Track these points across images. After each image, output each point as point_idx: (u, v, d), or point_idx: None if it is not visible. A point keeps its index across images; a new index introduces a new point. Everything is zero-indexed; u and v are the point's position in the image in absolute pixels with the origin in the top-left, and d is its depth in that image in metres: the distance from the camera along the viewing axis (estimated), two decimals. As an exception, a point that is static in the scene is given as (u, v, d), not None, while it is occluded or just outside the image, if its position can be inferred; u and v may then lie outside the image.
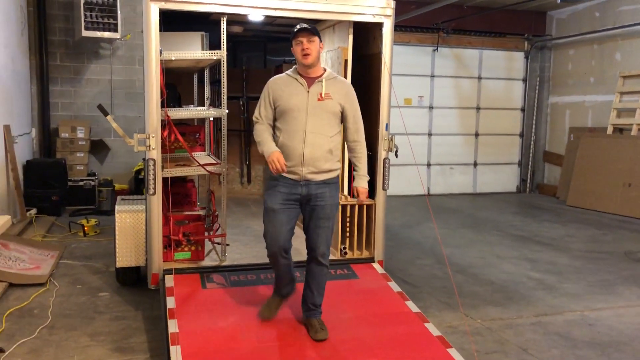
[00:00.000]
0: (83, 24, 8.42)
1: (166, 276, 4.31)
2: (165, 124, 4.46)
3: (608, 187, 9.97)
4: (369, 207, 4.94)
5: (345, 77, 4.85)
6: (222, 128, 4.60)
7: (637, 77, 10.23)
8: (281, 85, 3.71)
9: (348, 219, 4.93)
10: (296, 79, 3.69)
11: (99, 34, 8.54)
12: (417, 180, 11.75)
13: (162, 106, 4.39)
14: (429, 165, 11.90)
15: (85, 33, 8.44)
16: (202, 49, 5.21)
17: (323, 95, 3.65)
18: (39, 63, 9.20)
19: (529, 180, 12.48)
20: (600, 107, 11.02)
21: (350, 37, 4.82)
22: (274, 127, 3.77)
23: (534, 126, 12.37)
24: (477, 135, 12.19)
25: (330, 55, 5.14)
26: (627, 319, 4.73)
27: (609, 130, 10.51)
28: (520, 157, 12.53)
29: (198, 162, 4.66)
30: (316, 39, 3.64)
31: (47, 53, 9.25)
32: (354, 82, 4.93)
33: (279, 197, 3.68)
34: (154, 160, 4.24)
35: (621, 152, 9.94)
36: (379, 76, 4.79)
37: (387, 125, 4.77)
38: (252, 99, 7.96)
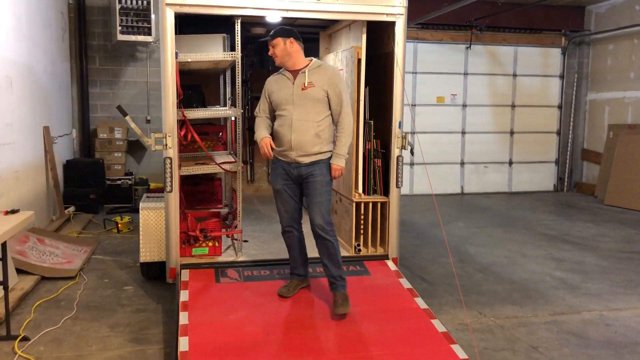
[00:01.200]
0: (119, 28, 8.76)
1: (182, 271, 4.47)
2: (183, 124, 4.63)
3: (647, 185, 9.66)
4: (383, 204, 4.98)
5: (359, 76, 4.90)
6: (237, 127, 4.72)
7: (679, 72, 9.88)
8: (273, 82, 4.22)
9: (362, 216, 4.98)
10: (284, 75, 4.17)
11: (133, 37, 8.86)
12: (450, 179, 11.69)
13: (180, 107, 4.56)
14: (462, 163, 11.78)
15: (121, 37, 8.78)
16: (224, 51, 5.37)
17: (306, 84, 4.05)
18: (79, 67, 9.60)
19: (566, 179, 12.20)
20: (641, 103, 10.69)
21: (364, 37, 4.86)
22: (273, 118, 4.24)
23: (571, 123, 12.07)
24: (512, 133, 11.99)
25: (345, 55, 5.19)
26: (648, 319, 4.62)
27: (650, 127, 10.19)
28: (558, 155, 12.25)
29: (214, 161, 4.81)
30: (277, 40, 4.08)
31: (87, 57, 9.65)
32: (369, 81, 5.02)
33: (279, 178, 4.17)
34: (170, 158, 4.40)
35: (661, 149, 9.62)
36: (393, 75, 4.82)
37: (400, 123, 4.79)
38: (279, 99, 8.08)
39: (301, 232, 4.34)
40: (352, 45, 5.04)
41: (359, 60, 4.89)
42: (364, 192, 5.03)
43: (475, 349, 3.87)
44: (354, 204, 4.94)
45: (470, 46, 11.48)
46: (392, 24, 4.74)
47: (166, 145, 4.40)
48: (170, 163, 4.41)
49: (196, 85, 6.54)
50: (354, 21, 5.03)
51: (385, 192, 5.00)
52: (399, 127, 4.79)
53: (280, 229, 4.35)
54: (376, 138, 5.04)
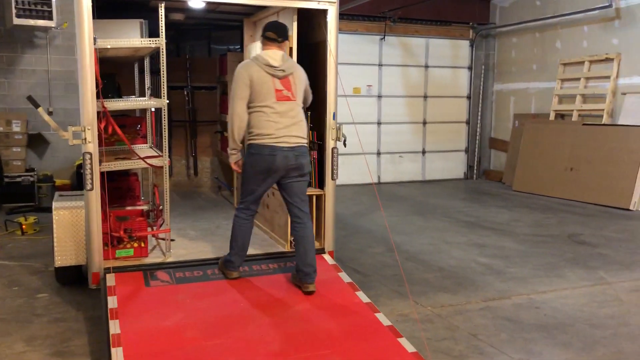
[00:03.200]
0: (14, 11, 7.99)
1: (107, 275, 4.12)
2: (102, 115, 4.25)
3: (551, 171, 10.24)
4: (319, 197, 4.86)
5: (291, 65, 4.74)
6: (163, 119, 4.41)
7: (577, 65, 10.53)
8: None
9: (297, 210, 4.84)
10: None
11: (32, 22, 8.13)
12: (367, 169, 11.78)
13: (99, 97, 4.19)
14: (378, 153, 11.93)
15: (17, 21, 8.01)
16: (141, 37, 5.00)
17: None
18: (-33, 53, 8.69)
19: (475, 167, 12.71)
20: (543, 94, 11.30)
21: (295, 25, 4.70)
22: None
23: (479, 113, 12.57)
24: (425, 123, 12.30)
25: (275, 43, 5.00)
26: (571, 300, 4.84)
27: (551, 117, 10.80)
28: (467, 144, 12.73)
29: (138, 155, 4.47)
30: None
31: (-24, 42, 8.75)
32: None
33: None
34: (90, 153, 4.03)
35: (563, 137, 10.22)
36: (325, 65, 4.70)
37: (334, 115, 4.69)
38: (197, 89, 7.75)
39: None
40: (283, 33, 4.85)
41: (290, 49, 4.72)
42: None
43: (423, 340, 3.85)
44: (288, 198, 4.79)
45: (384, 37, 11.61)
46: (324, 11, 4.61)
47: (85, 139, 4.02)
48: (91, 159, 4.04)
49: (111, 74, 6.10)
50: (284, 8, 4.84)
51: (321, 184, 4.89)
52: (333, 118, 4.69)
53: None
54: (312, 129, 4.90)
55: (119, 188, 6.13)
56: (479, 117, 12.58)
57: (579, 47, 10.51)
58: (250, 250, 4.85)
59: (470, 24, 12.31)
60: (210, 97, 7.71)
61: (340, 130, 4.70)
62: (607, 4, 9.69)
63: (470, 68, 12.49)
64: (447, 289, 5.10)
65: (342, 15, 11.02)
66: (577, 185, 9.76)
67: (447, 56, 12.31)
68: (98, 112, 4.22)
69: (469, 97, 12.61)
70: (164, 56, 4.32)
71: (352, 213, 8.52)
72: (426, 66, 12.13)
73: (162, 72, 4.33)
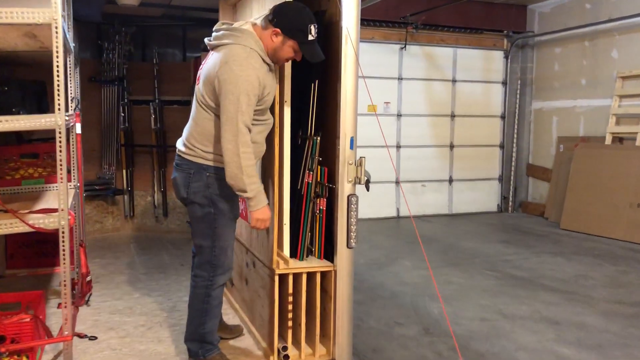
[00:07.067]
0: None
1: None
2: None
3: (611, 207, 8.35)
4: (325, 275, 3.01)
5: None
6: (58, 148, 2.58)
7: (640, 78, 8.70)
8: (264, 71, 2.92)
9: (291, 297, 2.98)
10: (269, 65, 2.98)
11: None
12: (384, 200, 9.96)
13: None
14: (397, 182, 10.09)
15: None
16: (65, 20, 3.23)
17: None
18: None
19: (511, 198, 10.82)
20: (595, 113, 9.44)
21: None
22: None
23: (515, 136, 10.72)
24: (452, 146, 10.46)
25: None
26: None
27: (607, 140, 8.93)
28: (501, 172, 10.86)
29: (11, 211, 2.62)
30: None
31: None
32: (297, 69, 3.08)
33: (238, 205, 3.11)
34: None
35: (625, 165, 8.33)
36: (336, 59, 2.91)
37: (352, 140, 2.88)
38: (168, 104, 5.97)
39: None
40: (270, 10, 3.06)
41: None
42: (293, 254, 3.03)
43: None
44: (276, 277, 2.94)
45: (405, 46, 9.84)
46: (337, -27, 2.83)
47: None
48: None
49: (34, 81, 4.36)
50: (273, -29, 3.06)
51: (328, 253, 3.04)
52: (351, 147, 2.87)
53: (218, 280, 2.97)
54: (320, 165, 3.07)
55: (45, 241, 4.39)
56: (515, 140, 10.71)
57: (643, 57, 8.68)
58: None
59: (505, 32, 10.50)
60: (184, 115, 5.90)
61: (362, 166, 2.87)
62: (681, 4, 7.90)
63: (504, 83, 10.67)
64: (532, 421, 3.21)
65: (356, 20, 9.32)
66: (647, 225, 7.87)
67: (477, 69, 10.48)
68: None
69: (503, 117, 10.76)
70: (60, 42, 2.50)
71: (367, 262, 6.64)
72: (453, 80, 10.32)
73: (55, 74, 2.51)
